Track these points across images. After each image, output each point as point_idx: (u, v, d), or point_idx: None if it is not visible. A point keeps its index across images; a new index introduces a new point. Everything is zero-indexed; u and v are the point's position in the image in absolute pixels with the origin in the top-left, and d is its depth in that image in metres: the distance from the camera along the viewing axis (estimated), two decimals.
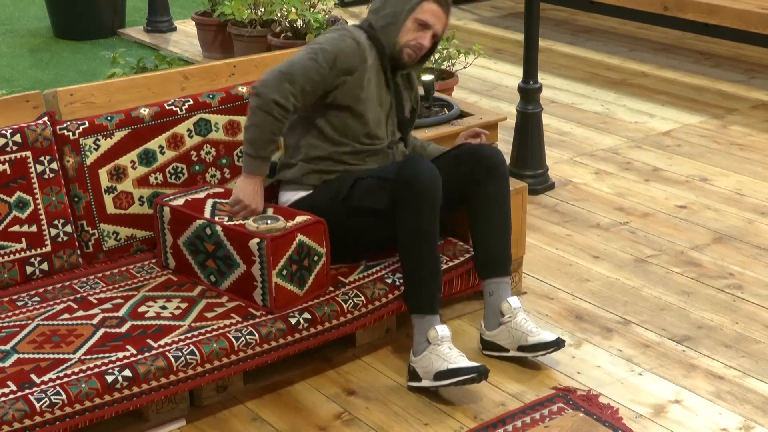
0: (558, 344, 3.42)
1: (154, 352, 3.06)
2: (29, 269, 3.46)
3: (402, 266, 3.44)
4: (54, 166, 3.50)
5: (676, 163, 5.29)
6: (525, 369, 3.45)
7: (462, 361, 3.27)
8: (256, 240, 3.24)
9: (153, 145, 3.68)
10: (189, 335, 3.15)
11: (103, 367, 2.97)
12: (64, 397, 2.86)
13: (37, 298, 3.38)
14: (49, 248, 3.48)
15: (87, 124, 3.58)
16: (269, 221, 3.30)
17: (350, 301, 3.39)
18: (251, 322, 3.24)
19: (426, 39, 3.60)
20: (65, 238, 3.51)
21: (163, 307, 3.31)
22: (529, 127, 4.93)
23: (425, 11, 3.59)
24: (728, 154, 5.41)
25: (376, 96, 3.59)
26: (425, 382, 3.31)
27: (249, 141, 3.45)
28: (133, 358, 3.02)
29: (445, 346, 3.31)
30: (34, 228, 3.45)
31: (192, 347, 3.10)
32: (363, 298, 3.41)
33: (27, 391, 2.86)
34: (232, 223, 3.34)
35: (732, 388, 3.40)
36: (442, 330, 3.34)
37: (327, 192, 3.52)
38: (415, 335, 3.39)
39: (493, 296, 3.52)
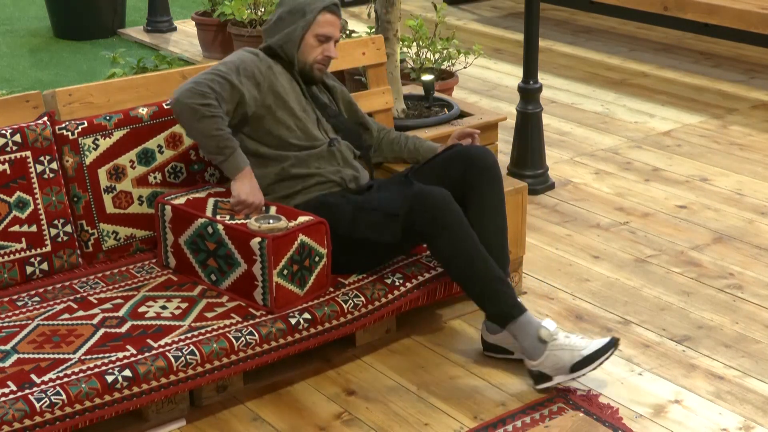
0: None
1: (154, 352, 3.06)
2: (29, 269, 3.46)
3: (465, 291, 3.41)
4: (54, 165, 3.50)
5: (676, 163, 5.29)
6: (525, 369, 3.44)
7: (589, 343, 3.28)
8: (258, 239, 3.24)
9: (152, 144, 3.68)
10: (189, 335, 3.15)
11: (103, 367, 2.97)
12: (64, 397, 2.86)
13: (37, 298, 3.38)
14: (49, 248, 3.48)
15: (86, 124, 3.58)
16: (271, 221, 3.30)
17: (350, 301, 3.39)
18: (251, 322, 3.23)
19: (331, 49, 3.67)
20: (65, 238, 3.51)
21: (164, 307, 3.31)
22: (529, 127, 4.93)
23: (323, 24, 3.65)
24: (728, 154, 5.41)
25: (297, 104, 3.63)
26: (560, 378, 3.29)
27: (207, 150, 3.44)
28: (133, 358, 3.02)
29: (562, 337, 3.29)
30: (34, 228, 3.45)
31: (192, 347, 3.09)
32: (363, 299, 3.41)
33: (27, 391, 2.86)
34: (233, 222, 3.34)
35: (732, 388, 3.40)
36: (550, 324, 3.31)
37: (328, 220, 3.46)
38: (522, 341, 3.32)
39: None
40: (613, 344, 3.29)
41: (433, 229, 3.33)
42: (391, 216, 3.38)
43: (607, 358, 3.29)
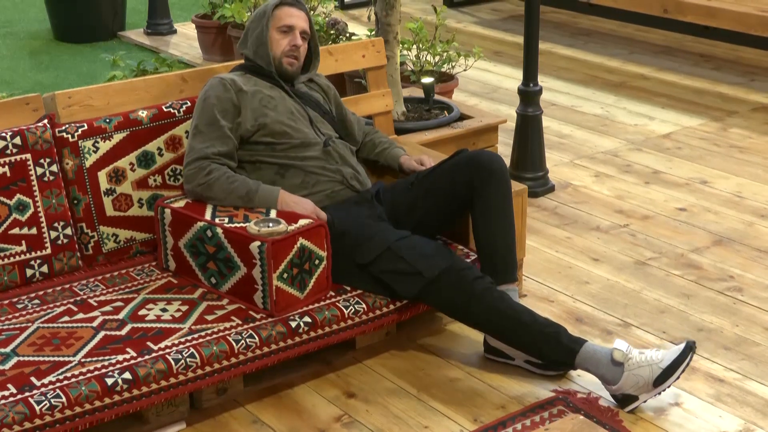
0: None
1: (154, 354, 3.05)
2: (29, 272, 3.46)
3: (520, 347, 3.37)
4: (54, 168, 3.50)
5: (676, 166, 5.29)
6: (525, 372, 3.44)
7: (665, 354, 3.21)
8: (257, 243, 3.23)
9: (152, 147, 3.68)
10: (189, 338, 3.15)
11: (103, 370, 2.97)
12: (64, 399, 2.85)
13: (37, 301, 3.37)
14: (49, 251, 3.48)
15: (86, 127, 3.57)
16: (271, 224, 3.29)
17: (351, 307, 3.38)
18: (251, 325, 3.23)
19: (296, 38, 3.71)
20: (65, 241, 3.50)
21: (164, 310, 3.30)
22: (529, 130, 4.93)
23: (281, 17, 3.72)
24: (728, 156, 5.41)
25: (284, 109, 3.65)
26: (645, 396, 3.21)
27: (237, 205, 3.46)
28: (133, 361, 3.02)
29: (637, 354, 3.22)
30: (34, 230, 3.45)
31: (192, 350, 3.09)
32: (364, 306, 3.40)
33: (27, 393, 2.85)
34: (233, 225, 3.34)
35: (732, 390, 3.39)
36: (621, 345, 3.24)
37: (346, 246, 3.45)
38: (597, 370, 3.25)
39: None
40: (690, 349, 3.20)
41: (459, 307, 3.35)
42: (417, 275, 3.34)
43: (687, 365, 3.20)
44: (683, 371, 3.20)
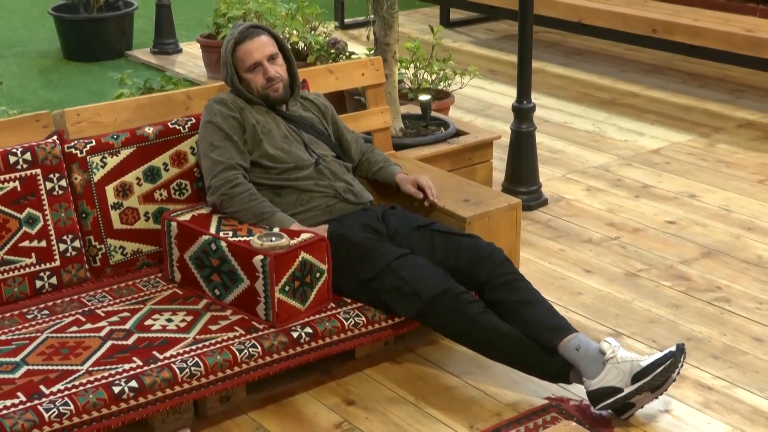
0: (681, 350, 3.17)
1: (159, 363, 3.05)
2: (39, 283, 3.45)
3: (514, 365, 3.33)
4: (63, 183, 3.49)
5: (665, 180, 5.29)
6: (519, 380, 3.43)
7: (649, 357, 3.16)
8: (260, 257, 3.23)
9: (157, 162, 3.68)
10: (194, 347, 3.14)
11: (110, 378, 2.96)
12: (72, 407, 2.84)
13: (46, 312, 3.37)
14: (58, 263, 3.47)
15: (94, 143, 3.57)
16: (273, 238, 3.28)
17: (351, 320, 3.37)
18: (254, 335, 3.22)
19: (269, 70, 3.63)
20: (74, 253, 3.50)
21: (169, 320, 3.30)
22: (522, 146, 4.93)
23: (242, 59, 3.66)
24: (715, 171, 5.41)
25: (278, 132, 3.63)
26: (627, 389, 3.11)
27: (252, 218, 3.45)
28: (139, 370, 3.01)
29: (622, 351, 3.16)
30: (43, 243, 3.44)
31: (197, 359, 3.08)
32: (364, 319, 3.39)
33: (36, 401, 2.85)
34: (236, 239, 3.33)
35: (720, 398, 3.39)
36: (610, 340, 3.19)
37: (347, 262, 3.42)
38: (581, 365, 3.18)
39: (581, 349, 3.20)
40: (680, 351, 3.14)
41: (455, 330, 3.33)
42: (415, 295, 3.31)
43: (681, 366, 3.12)
44: (678, 373, 3.14)
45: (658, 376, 3.10)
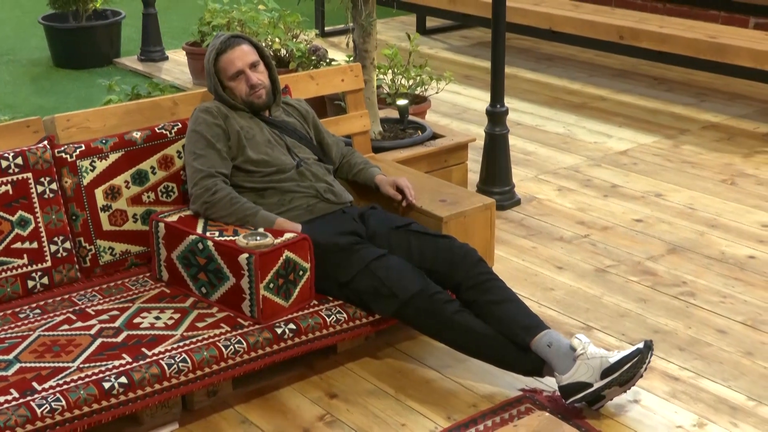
0: (649, 347, 3.16)
1: (148, 360, 3.04)
2: (30, 283, 3.44)
3: (490, 361, 3.33)
4: (53, 186, 3.48)
5: (633, 180, 5.31)
6: (495, 373, 3.44)
7: (618, 353, 3.14)
8: (246, 255, 3.22)
9: (145, 166, 3.67)
10: (181, 344, 3.13)
11: (101, 375, 2.95)
12: (63, 403, 2.83)
13: (38, 311, 3.35)
14: (49, 263, 3.46)
15: (83, 147, 3.56)
16: (258, 237, 3.28)
17: (333, 316, 3.37)
18: (240, 331, 3.22)
19: (251, 77, 3.63)
20: (64, 254, 3.49)
21: (157, 318, 3.29)
22: (496, 148, 4.94)
23: (224, 68, 3.65)
24: (680, 171, 5.44)
25: (261, 137, 3.63)
26: (597, 384, 3.11)
27: (237, 221, 3.44)
28: (128, 366, 3.00)
29: (592, 347, 3.16)
30: (35, 245, 3.43)
31: (184, 355, 3.08)
32: (345, 315, 3.39)
33: (29, 397, 2.84)
34: (222, 238, 3.33)
35: (686, 388, 3.40)
36: (581, 336, 3.19)
37: (326, 265, 3.41)
38: (552, 361, 3.18)
39: (552, 345, 3.20)
40: (648, 348, 3.13)
41: (432, 328, 3.32)
42: (392, 296, 3.30)
43: (648, 362, 3.12)
44: (645, 369, 3.15)
45: (626, 372, 3.11)
